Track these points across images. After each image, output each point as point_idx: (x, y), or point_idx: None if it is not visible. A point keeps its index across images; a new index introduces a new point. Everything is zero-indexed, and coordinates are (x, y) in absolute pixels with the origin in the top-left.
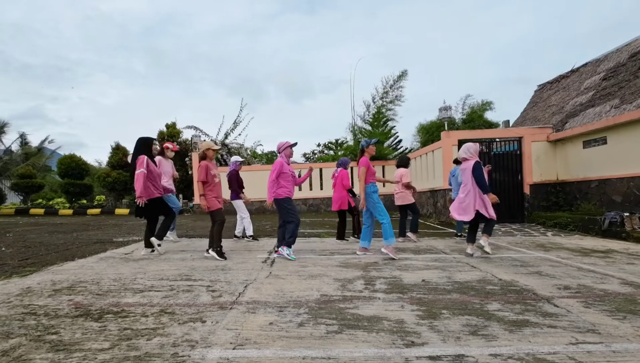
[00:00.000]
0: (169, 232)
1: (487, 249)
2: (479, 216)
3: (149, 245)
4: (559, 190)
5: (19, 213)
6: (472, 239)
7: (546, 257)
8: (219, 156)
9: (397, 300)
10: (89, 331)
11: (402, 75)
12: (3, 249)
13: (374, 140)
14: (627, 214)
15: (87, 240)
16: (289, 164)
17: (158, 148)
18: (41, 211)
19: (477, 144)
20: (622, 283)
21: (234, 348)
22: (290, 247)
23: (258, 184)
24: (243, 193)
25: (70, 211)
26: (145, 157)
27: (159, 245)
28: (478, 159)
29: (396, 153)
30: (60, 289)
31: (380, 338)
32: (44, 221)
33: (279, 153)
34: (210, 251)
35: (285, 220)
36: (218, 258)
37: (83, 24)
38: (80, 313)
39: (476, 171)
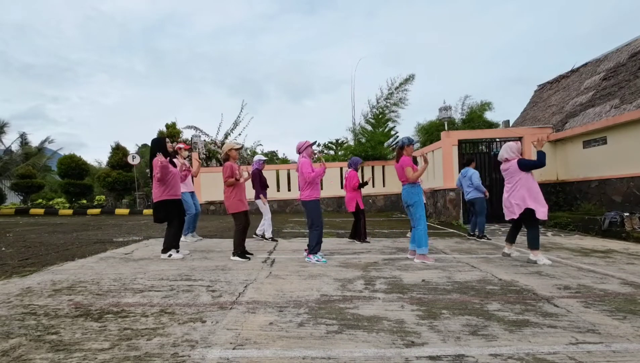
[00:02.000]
0: (190, 235)
1: (543, 261)
2: (524, 217)
3: (177, 245)
4: (559, 190)
5: (19, 213)
6: (511, 239)
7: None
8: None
9: (397, 300)
10: (89, 331)
11: (409, 79)
12: (3, 249)
13: (414, 139)
14: (627, 214)
15: (87, 240)
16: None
17: (172, 145)
18: (41, 211)
19: (519, 142)
20: (622, 283)
21: (234, 348)
22: (317, 254)
23: None
24: (264, 194)
25: (70, 211)
26: (160, 158)
27: (177, 252)
28: (521, 156)
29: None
30: (60, 289)
31: (380, 338)
32: (44, 221)
33: (300, 153)
34: (232, 256)
35: (312, 224)
36: (242, 260)
37: (84, 24)
38: (80, 313)
39: (527, 164)
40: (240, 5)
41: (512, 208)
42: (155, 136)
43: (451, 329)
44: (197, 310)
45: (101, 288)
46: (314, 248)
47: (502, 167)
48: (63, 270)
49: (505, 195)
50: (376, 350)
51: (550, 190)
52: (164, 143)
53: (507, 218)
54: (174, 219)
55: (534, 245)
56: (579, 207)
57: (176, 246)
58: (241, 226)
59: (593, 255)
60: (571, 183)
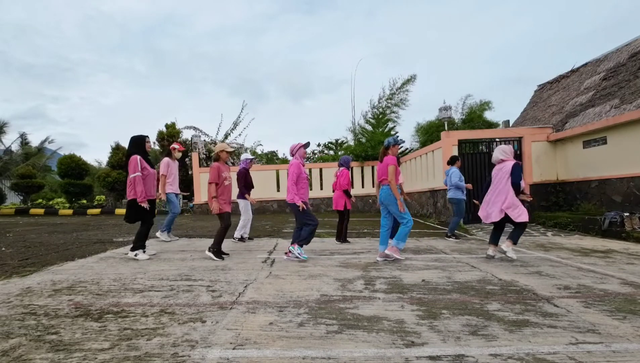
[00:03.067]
0: (165, 234)
1: (511, 254)
2: (507, 219)
3: (142, 246)
4: (559, 190)
5: (19, 213)
6: (494, 241)
7: (546, 257)
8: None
9: (397, 300)
10: (89, 331)
11: (410, 79)
12: (3, 249)
13: (400, 139)
14: (627, 214)
15: (87, 240)
16: (303, 166)
17: (152, 145)
18: (41, 211)
19: (511, 145)
20: (622, 283)
21: (234, 348)
22: (302, 247)
23: (258, 184)
24: (249, 194)
25: (70, 211)
26: (138, 157)
27: (144, 252)
28: (515, 160)
29: None
30: (60, 289)
31: (380, 338)
32: (44, 221)
33: (293, 154)
34: (207, 251)
35: (303, 223)
36: (214, 258)
37: (84, 24)
38: (80, 313)
39: (515, 173)
40: (240, 5)
41: (494, 210)
42: (156, 134)
43: (451, 329)
44: (197, 310)
45: (101, 288)
46: (301, 239)
47: (496, 167)
48: (63, 270)
49: (488, 196)
50: (376, 350)
51: (550, 190)
52: (143, 142)
53: (485, 221)
54: (146, 219)
55: (514, 239)
56: (579, 207)
57: (143, 247)
58: (224, 226)
59: (593, 255)
60: (571, 183)
